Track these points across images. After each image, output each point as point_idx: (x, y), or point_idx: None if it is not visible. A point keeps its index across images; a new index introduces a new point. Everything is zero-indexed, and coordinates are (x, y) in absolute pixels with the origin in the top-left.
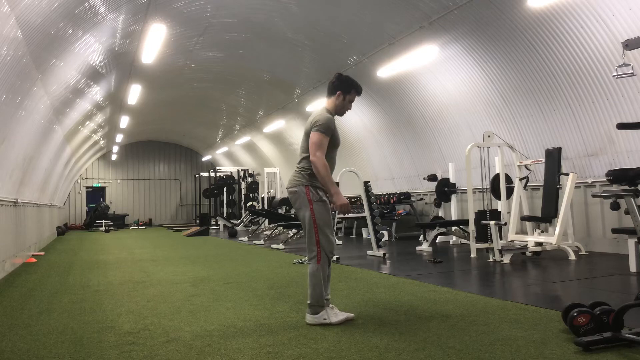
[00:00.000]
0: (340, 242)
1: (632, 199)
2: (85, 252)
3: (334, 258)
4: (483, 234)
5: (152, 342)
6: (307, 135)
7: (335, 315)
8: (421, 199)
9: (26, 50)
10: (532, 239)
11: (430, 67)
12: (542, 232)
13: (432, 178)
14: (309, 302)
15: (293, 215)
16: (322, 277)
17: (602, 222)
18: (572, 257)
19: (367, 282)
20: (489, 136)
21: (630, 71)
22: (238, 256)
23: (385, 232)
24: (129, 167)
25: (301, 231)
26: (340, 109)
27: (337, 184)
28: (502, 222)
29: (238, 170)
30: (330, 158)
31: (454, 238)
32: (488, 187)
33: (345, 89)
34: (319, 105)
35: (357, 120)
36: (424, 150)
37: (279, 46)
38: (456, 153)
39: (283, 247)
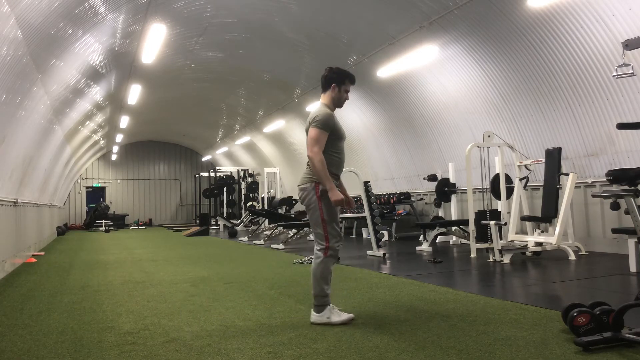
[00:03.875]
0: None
1: (632, 199)
2: (85, 252)
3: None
4: (483, 234)
5: (152, 342)
6: (307, 132)
7: (338, 314)
8: (421, 199)
9: (26, 50)
10: (532, 239)
11: (430, 67)
12: (542, 232)
13: (432, 178)
14: (314, 301)
15: (293, 215)
16: (325, 271)
17: (602, 222)
18: (572, 257)
19: (367, 282)
20: (489, 136)
21: (630, 71)
22: (238, 256)
23: (385, 232)
24: (129, 167)
25: (301, 231)
26: (338, 101)
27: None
28: (502, 222)
29: (238, 170)
30: (338, 151)
31: (454, 238)
32: (488, 187)
33: (339, 80)
34: (319, 105)
35: (357, 120)
36: (424, 150)
37: (279, 46)
38: (456, 153)
39: (283, 247)
